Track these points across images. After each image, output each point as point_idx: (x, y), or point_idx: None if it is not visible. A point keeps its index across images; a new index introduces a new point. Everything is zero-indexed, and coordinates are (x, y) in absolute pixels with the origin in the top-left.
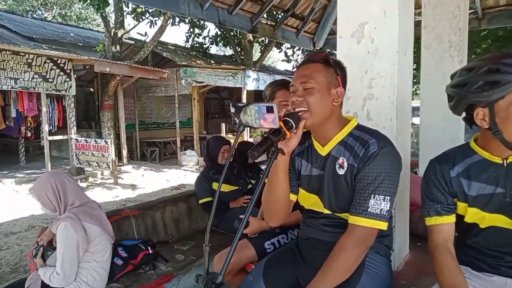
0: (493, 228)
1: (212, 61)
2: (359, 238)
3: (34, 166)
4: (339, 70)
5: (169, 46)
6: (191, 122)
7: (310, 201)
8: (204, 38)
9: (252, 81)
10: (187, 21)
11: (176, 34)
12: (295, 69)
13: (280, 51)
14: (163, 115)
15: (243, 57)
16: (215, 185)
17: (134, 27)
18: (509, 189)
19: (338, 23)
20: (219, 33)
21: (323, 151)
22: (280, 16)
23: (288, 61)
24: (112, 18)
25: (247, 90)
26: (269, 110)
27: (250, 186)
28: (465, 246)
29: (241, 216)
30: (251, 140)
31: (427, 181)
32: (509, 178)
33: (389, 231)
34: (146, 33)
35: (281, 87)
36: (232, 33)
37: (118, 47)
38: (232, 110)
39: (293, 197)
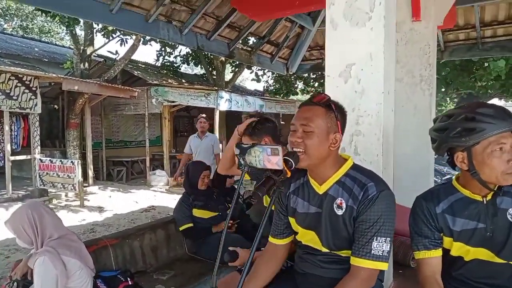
0: (476, 261)
1: (183, 80)
2: (363, 279)
3: None
4: (340, 116)
5: (139, 65)
6: (160, 141)
7: (307, 237)
8: (176, 57)
9: (225, 102)
10: (158, 40)
11: (147, 53)
12: (264, 89)
13: (251, 72)
14: (131, 133)
15: (215, 77)
16: (195, 211)
17: (104, 45)
18: (489, 224)
19: (326, 62)
20: (190, 52)
21: (320, 189)
22: (255, 42)
23: (258, 81)
24: (81, 35)
25: (219, 111)
26: (274, 152)
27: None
28: (451, 277)
29: (230, 248)
30: None
31: (414, 217)
32: (489, 215)
33: None
34: (116, 51)
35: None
36: (204, 53)
37: (86, 64)
38: (237, 151)
39: (282, 241)
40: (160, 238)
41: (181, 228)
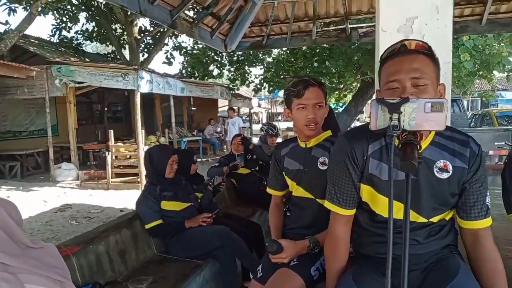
0: None
1: (87, 59)
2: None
3: None
4: (439, 65)
5: (32, 40)
6: (57, 130)
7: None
8: (76, 32)
9: (146, 83)
10: (55, 11)
11: (39, 26)
12: (180, 72)
13: (166, 53)
14: (20, 123)
15: (127, 57)
16: (165, 204)
17: None
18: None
19: (381, 15)
20: (94, 27)
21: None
22: (198, 12)
23: (170, 64)
24: None
25: (140, 93)
26: (436, 108)
27: (199, 200)
28: None
29: (273, 239)
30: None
31: None
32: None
33: None
34: (7, 21)
35: (311, 85)
36: (113, 28)
37: None
38: (376, 108)
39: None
40: (127, 239)
41: (148, 226)
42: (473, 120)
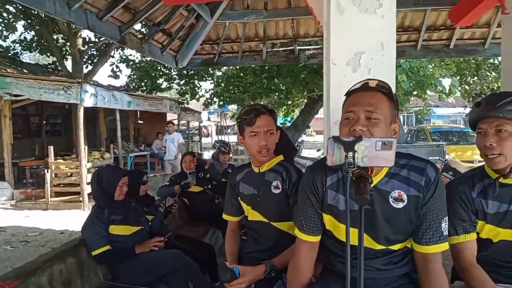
0: (504, 242)
1: (25, 70)
2: (440, 263)
3: None
4: (397, 105)
5: None
6: None
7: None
8: (13, 41)
9: (90, 97)
10: None
11: None
12: (126, 85)
13: (112, 65)
14: None
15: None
16: (113, 229)
17: None
18: None
19: (331, 49)
20: (34, 36)
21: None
22: (148, 29)
23: (116, 77)
24: None
25: (84, 107)
26: (386, 146)
27: (150, 223)
28: (477, 259)
29: (227, 264)
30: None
31: (451, 202)
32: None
33: None
34: None
35: (262, 114)
36: (55, 38)
37: None
38: (332, 146)
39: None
40: (72, 267)
41: (95, 253)
42: (409, 135)
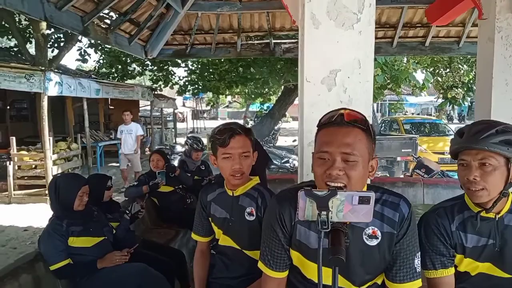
0: (481, 275)
1: None
2: None
3: None
4: (374, 138)
5: None
6: None
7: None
8: None
9: (55, 85)
10: None
11: None
12: (95, 71)
13: (79, 49)
14: None
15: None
16: (73, 241)
17: None
18: (499, 240)
19: (305, 65)
20: None
21: None
22: (114, 18)
23: (84, 61)
24: None
25: (47, 96)
26: (364, 200)
27: (114, 231)
28: None
29: None
30: None
31: (428, 234)
32: (498, 231)
33: None
34: None
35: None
36: (16, 20)
37: None
38: (303, 200)
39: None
40: (27, 285)
41: (53, 268)
42: (383, 125)
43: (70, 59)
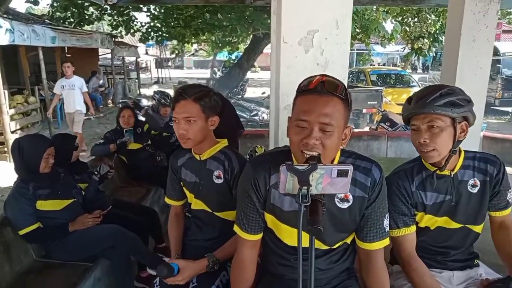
0: (438, 228)
1: None
2: (383, 258)
3: None
4: (350, 106)
5: None
6: None
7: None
8: None
9: (6, 33)
10: None
11: None
12: (48, 16)
13: None
14: None
15: None
16: (41, 204)
17: None
18: (455, 195)
19: (282, 25)
20: None
21: None
22: None
23: (35, 3)
24: None
25: None
26: (342, 173)
27: (83, 193)
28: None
29: (166, 259)
30: None
31: (391, 196)
32: (454, 187)
33: None
34: None
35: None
36: None
37: None
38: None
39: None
40: None
41: (22, 232)
42: (350, 76)
43: (19, 3)
